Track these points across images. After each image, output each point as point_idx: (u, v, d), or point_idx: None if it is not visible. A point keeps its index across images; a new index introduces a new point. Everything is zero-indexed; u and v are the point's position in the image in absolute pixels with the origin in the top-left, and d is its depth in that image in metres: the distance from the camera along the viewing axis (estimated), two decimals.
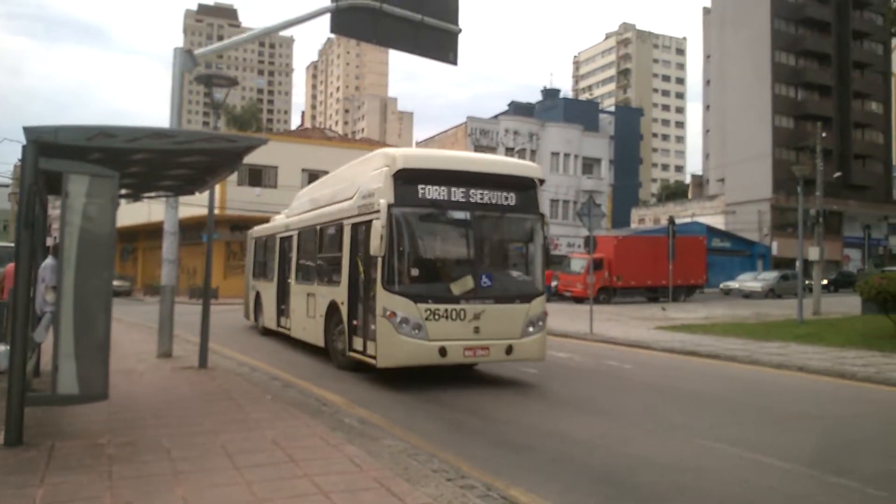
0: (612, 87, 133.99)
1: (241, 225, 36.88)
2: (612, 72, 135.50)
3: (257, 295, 17.94)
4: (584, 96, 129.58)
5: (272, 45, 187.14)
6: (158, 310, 12.02)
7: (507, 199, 9.95)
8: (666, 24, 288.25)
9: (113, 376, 6.39)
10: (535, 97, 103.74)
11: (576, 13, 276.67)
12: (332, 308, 11.28)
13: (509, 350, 9.69)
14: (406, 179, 9.39)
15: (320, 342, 12.16)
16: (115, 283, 36.18)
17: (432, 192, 9.48)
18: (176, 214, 11.91)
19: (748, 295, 40.76)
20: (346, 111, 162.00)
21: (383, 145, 55.47)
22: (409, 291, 9.22)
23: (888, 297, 15.65)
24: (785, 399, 9.79)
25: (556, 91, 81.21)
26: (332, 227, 11.81)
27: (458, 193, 9.61)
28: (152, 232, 36.16)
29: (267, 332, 16.76)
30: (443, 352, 9.24)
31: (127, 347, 13.11)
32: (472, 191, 9.70)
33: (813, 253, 25.21)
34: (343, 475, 5.16)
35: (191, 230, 34.59)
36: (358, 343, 10.16)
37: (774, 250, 45.98)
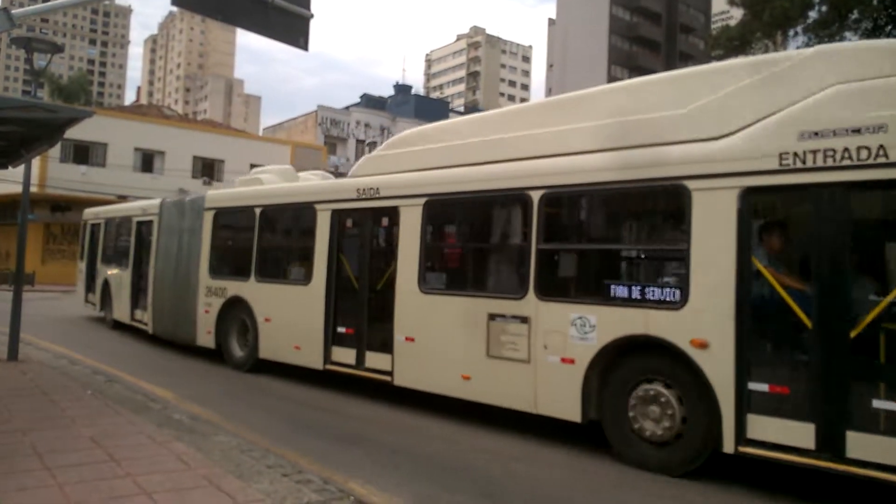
0: (462, 87, 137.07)
1: (63, 205, 33.97)
2: (463, 73, 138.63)
3: (232, 303, 10.57)
4: (435, 94, 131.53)
5: (106, 14, 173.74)
6: None
7: None
8: (514, 32, 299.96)
9: None
10: (387, 91, 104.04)
11: (429, 12, 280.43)
12: (640, 348, 5.98)
13: None
14: None
15: (559, 410, 6.45)
16: None
17: None
18: None
19: None
20: (188, 90, 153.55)
21: (228, 128, 53.28)
22: None
23: None
24: None
25: (409, 87, 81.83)
26: (643, 192, 6.29)
27: None
28: None
29: (259, 366, 10.10)
30: None
31: None
32: None
33: None
34: (169, 474, 4.87)
35: (4, 209, 31.33)
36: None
37: None
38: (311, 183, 10.48)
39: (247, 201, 10.85)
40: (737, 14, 23.70)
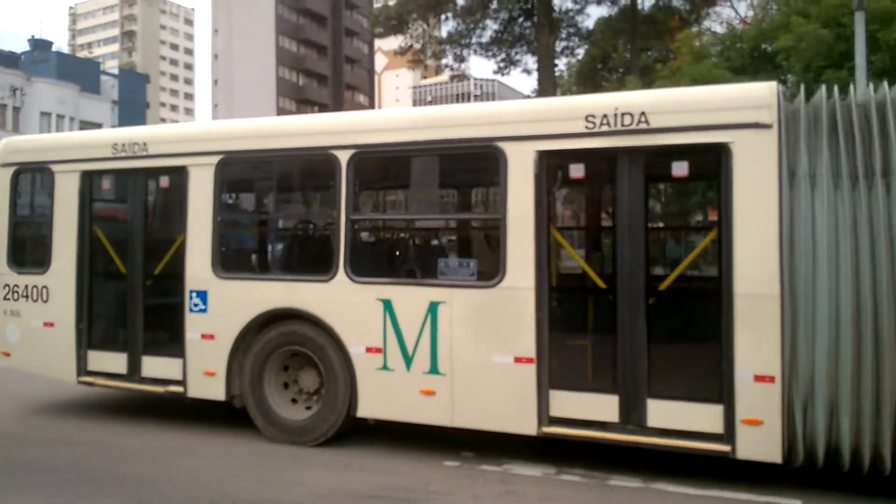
0: (115, 47, 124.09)
1: None
2: (116, 31, 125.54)
3: None
4: (82, 53, 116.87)
5: None
6: None
7: None
8: None
9: None
10: (20, 46, 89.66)
11: None
12: None
13: None
14: None
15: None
16: None
17: None
18: None
19: None
20: None
21: None
22: None
23: None
24: None
25: (49, 43, 71.48)
26: None
27: None
28: None
29: None
30: None
31: None
32: None
33: None
34: None
35: None
36: None
37: None
38: None
39: None
40: None
